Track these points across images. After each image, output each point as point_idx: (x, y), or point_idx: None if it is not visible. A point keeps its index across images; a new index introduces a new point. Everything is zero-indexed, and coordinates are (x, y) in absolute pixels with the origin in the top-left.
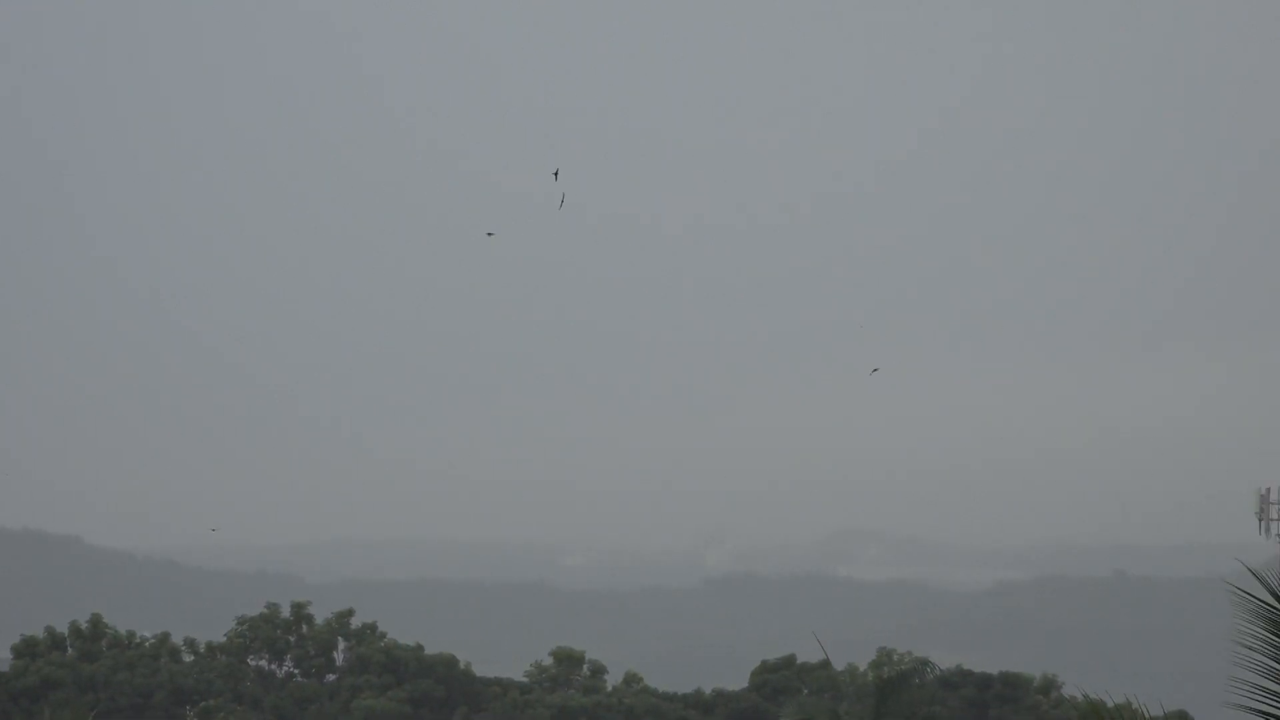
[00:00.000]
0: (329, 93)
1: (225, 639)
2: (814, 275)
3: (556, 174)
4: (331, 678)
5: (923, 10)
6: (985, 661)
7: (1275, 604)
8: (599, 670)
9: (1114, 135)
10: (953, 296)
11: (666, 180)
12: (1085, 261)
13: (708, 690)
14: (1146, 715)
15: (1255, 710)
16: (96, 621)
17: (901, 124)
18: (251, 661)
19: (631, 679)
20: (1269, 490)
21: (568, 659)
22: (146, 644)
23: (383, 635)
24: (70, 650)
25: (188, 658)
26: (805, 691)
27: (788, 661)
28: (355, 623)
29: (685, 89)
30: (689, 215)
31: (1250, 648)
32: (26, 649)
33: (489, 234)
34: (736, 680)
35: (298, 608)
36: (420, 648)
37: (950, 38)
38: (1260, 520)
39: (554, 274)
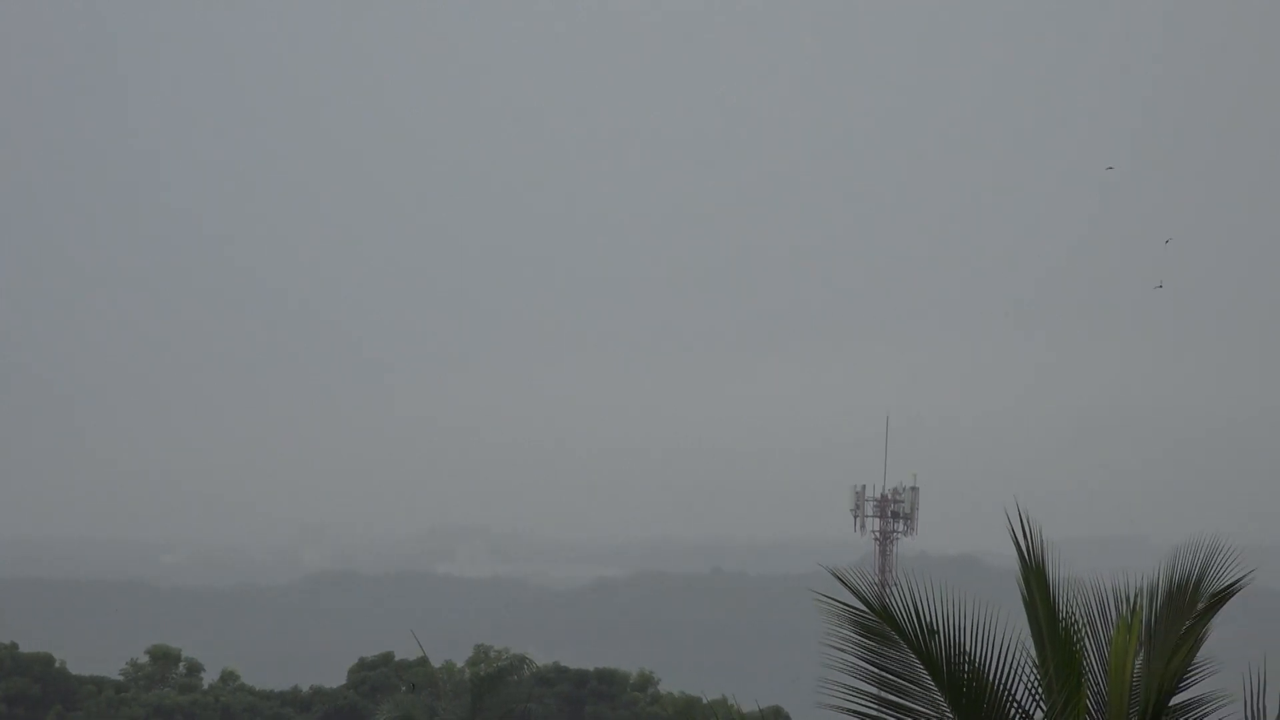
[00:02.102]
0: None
1: None
2: (418, 274)
3: None
4: None
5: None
6: (583, 658)
7: (860, 606)
8: (195, 668)
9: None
10: (546, 294)
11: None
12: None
13: (305, 688)
14: (742, 711)
15: (846, 710)
16: None
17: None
18: None
19: (229, 677)
20: (864, 488)
21: (164, 657)
22: None
23: None
24: None
25: None
26: (403, 688)
27: (385, 659)
28: None
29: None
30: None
31: (839, 648)
32: None
33: None
34: (334, 678)
35: None
36: (14, 646)
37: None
38: (855, 517)
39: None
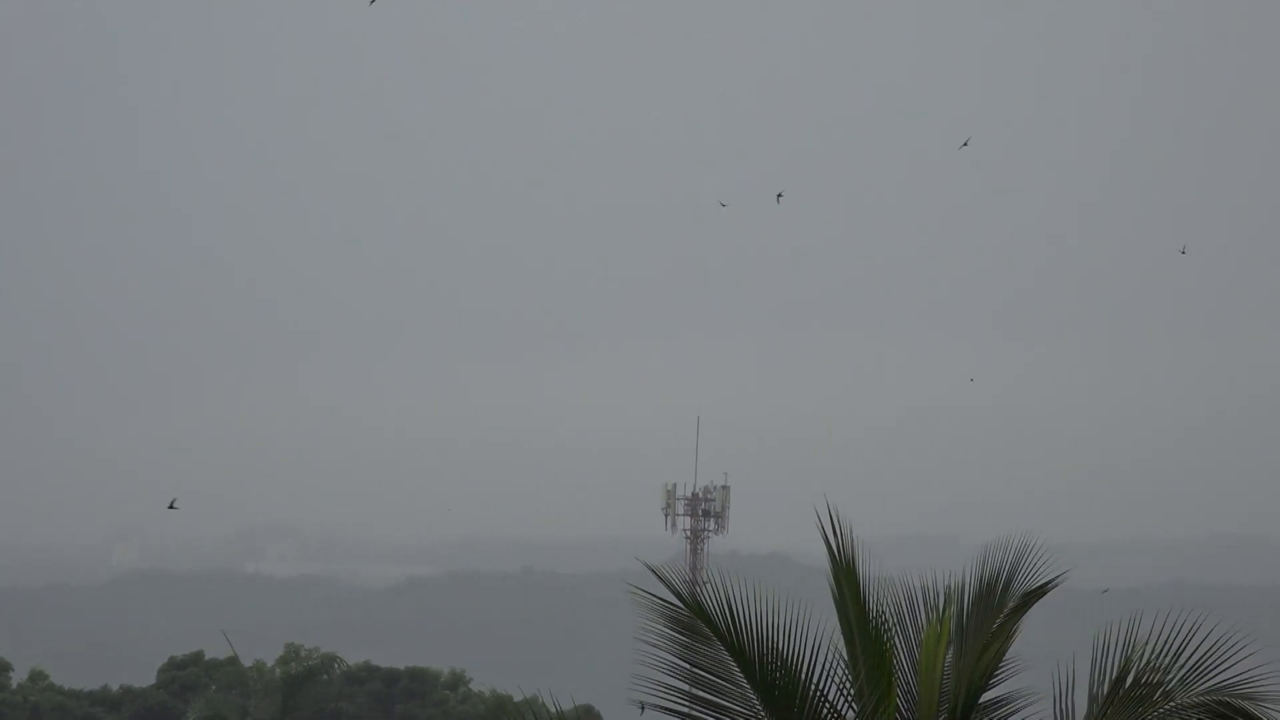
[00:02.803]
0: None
1: None
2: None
3: None
4: None
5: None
6: (393, 656)
7: (675, 601)
8: (4, 667)
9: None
10: (358, 290)
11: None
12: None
13: (115, 687)
14: (554, 709)
15: (660, 708)
16: None
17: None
18: None
19: (37, 676)
20: (675, 486)
21: None
22: None
23: None
24: None
25: None
26: (214, 688)
27: (196, 658)
28: None
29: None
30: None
31: (654, 645)
32: None
33: None
34: (144, 678)
35: None
36: None
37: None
38: (667, 516)
39: None
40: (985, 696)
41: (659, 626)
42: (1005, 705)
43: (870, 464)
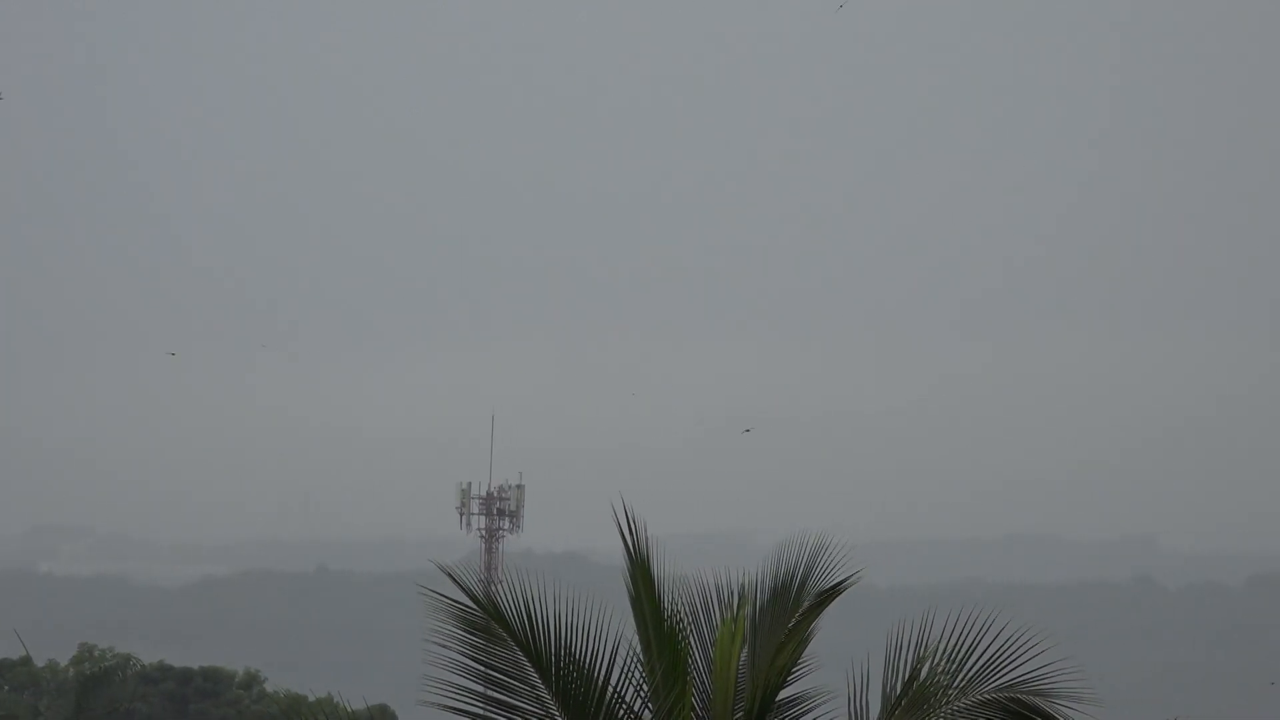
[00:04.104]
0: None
1: None
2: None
3: None
4: None
5: None
6: (188, 656)
7: (468, 603)
8: None
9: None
10: (161, 289)
11: None
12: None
13: None
14: (348, 709)
15: (452, 708)
16: None
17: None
18: None
19: None
20: (470, 485)
21: None
22: None
23: None
24: None
25: None
26: (5, 688)
27: None
28: None
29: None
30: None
31: (445, 646)
32: None
33: None
34: None
35: None
36: None
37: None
38: (461, 515)
39: None
40: (781, 695)
41: (451, 628)
42: (801, 704)
43: (667, 464)
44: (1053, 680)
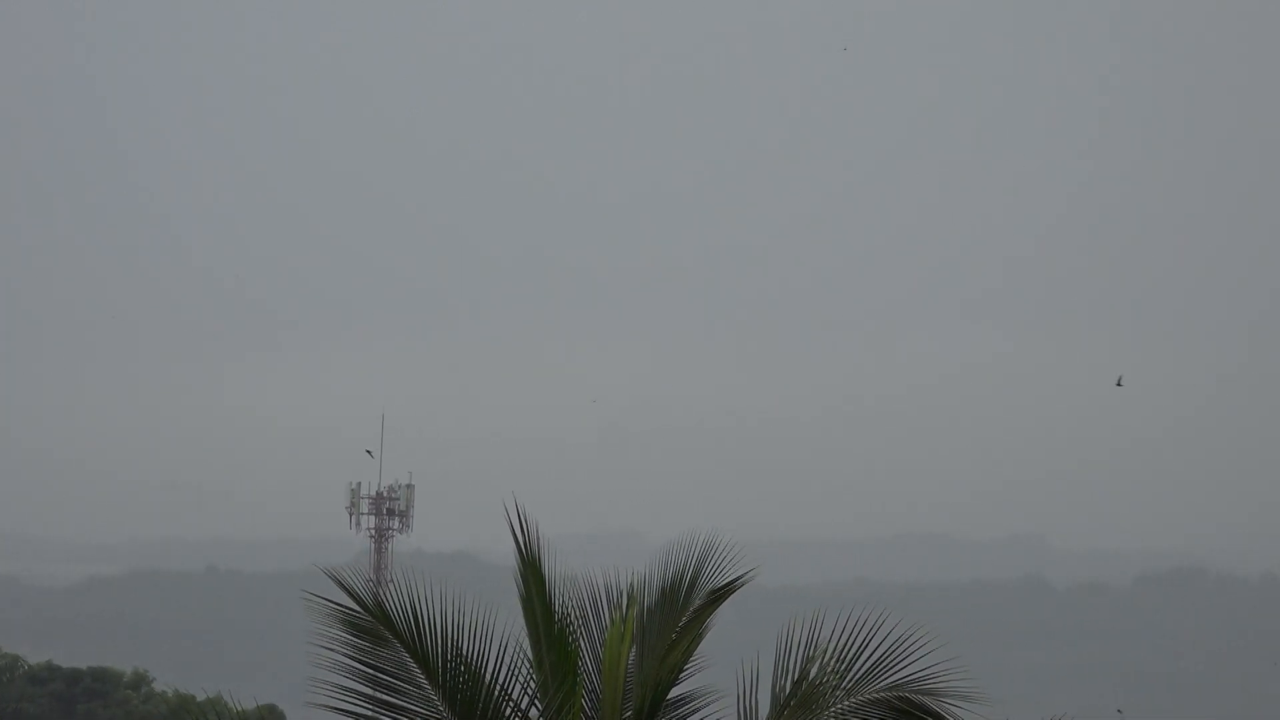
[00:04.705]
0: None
1: None
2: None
3: None
4: None
5: None
6: (75, 657)
7: (354, 605)
8: None
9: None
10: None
11: None
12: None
13: None
14: (237, 709)
15: (338, 710)
16: None
17: None
18: None
19: None
20: (359, 485)
21: None
22: None
23: None
24: None
25: None
26: None
27: None
28: None
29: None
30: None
31: (332, 648)
32: None
33: None
34: None
35: None
36: None
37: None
38: (351, 515)
39: None
40: (671, 694)
41: (338, 630)
42: (691, 703)
43: (562, 465)
44: (941, 679)
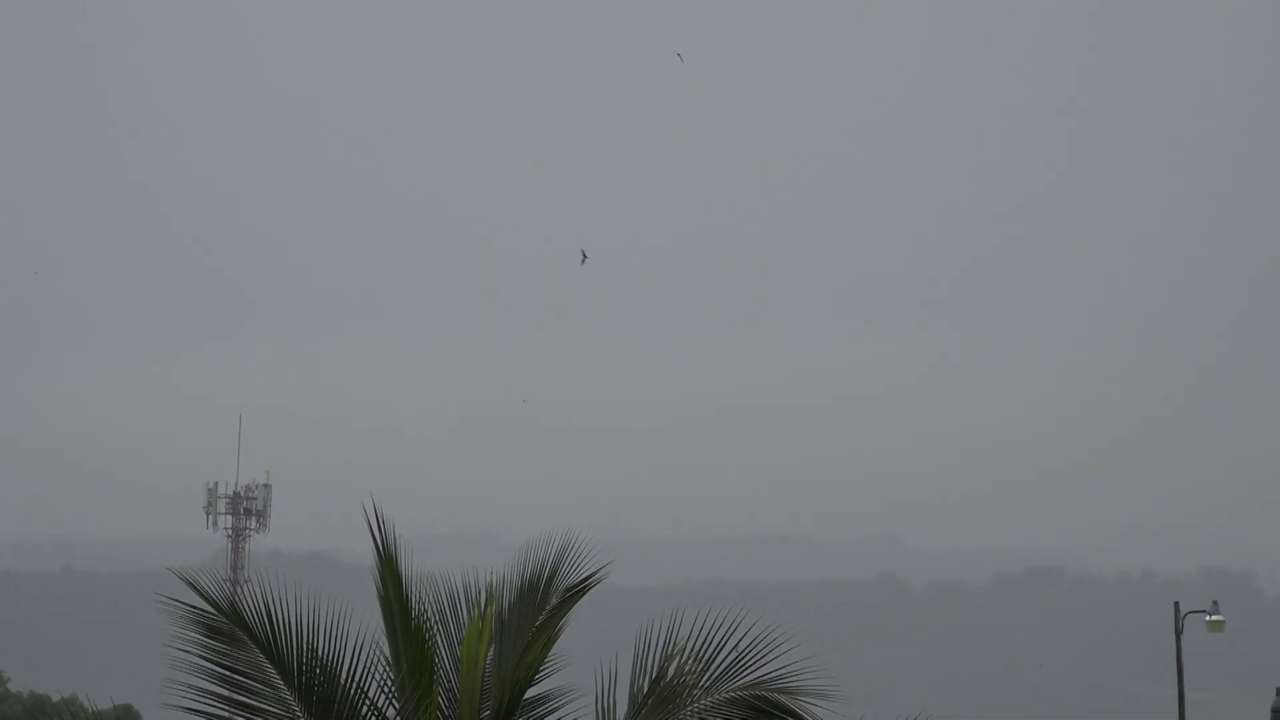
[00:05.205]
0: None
1: None
2: None
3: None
4: None
5: None
6: None
7: (208, 608)
8: None
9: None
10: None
11: None
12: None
13: None
14: (93, 709)
15: (193, 710)
16: None
17: None
18: None
19: None
20: (216, 484)
21: None
22: None
23: None
24: None
25: None
26: None
27: None
28: None
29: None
30: None
31: (186, 650)
32: None
33: None
34: None
35: None
36: None
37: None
38: (208, 514)
39: None
40: (529, 693)
41: (192, 632)
42: (548, 702)
43: (418, 464)
44: (798, 678)
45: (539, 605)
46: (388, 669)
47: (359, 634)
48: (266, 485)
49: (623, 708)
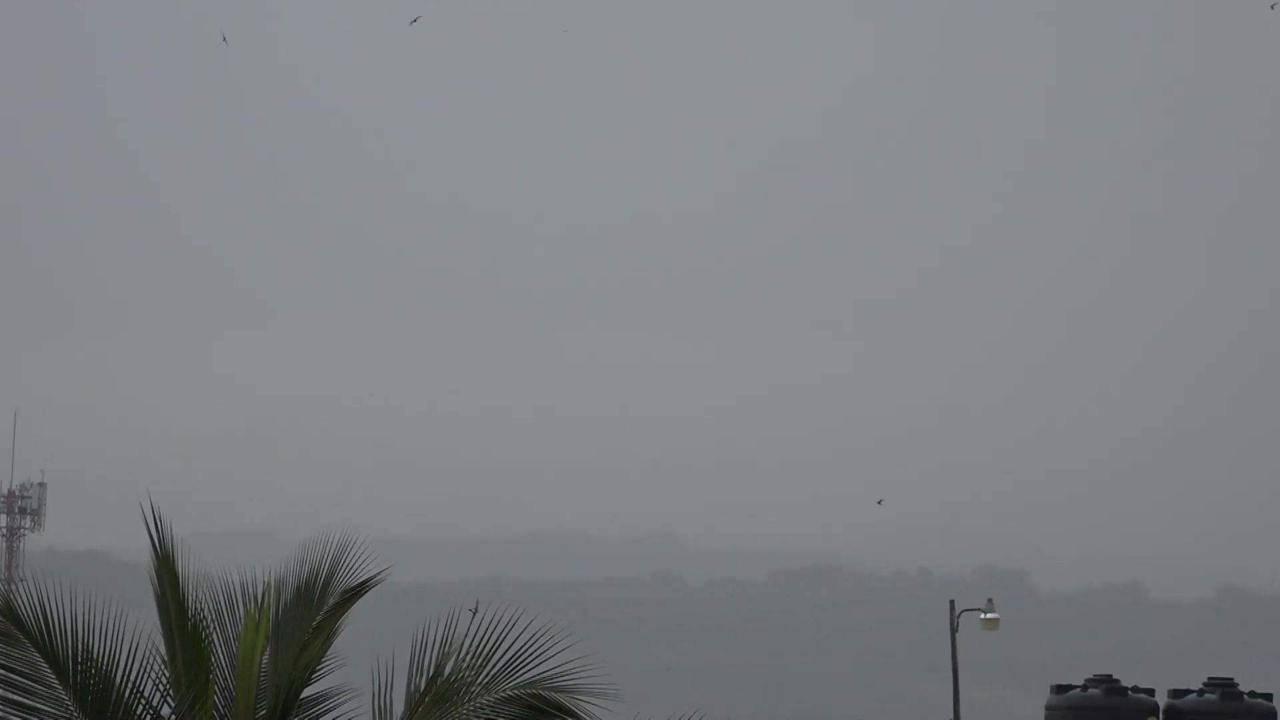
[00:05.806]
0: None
1: None
2: None
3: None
4: None
5: None
6: None
7: None
8: None
9: None
10: None
11: None
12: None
13: None
14: None
15: None
16: None
17: None
18: None
19: None
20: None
21: None
22: None
23: None
24: None
25: None
26: None
27: None
28: None
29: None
30: None
31: None
32: None
33: None
34: None
35: None
36: None
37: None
38: None
39: None
40: (306, 693)
41: None
42: (326, 702)
43: (196, 463)
44: (575, 677)
45: (316, 605)
46: (164, 668)
47: (135, 633)
48: (42, 484)
49: (400, 706)
